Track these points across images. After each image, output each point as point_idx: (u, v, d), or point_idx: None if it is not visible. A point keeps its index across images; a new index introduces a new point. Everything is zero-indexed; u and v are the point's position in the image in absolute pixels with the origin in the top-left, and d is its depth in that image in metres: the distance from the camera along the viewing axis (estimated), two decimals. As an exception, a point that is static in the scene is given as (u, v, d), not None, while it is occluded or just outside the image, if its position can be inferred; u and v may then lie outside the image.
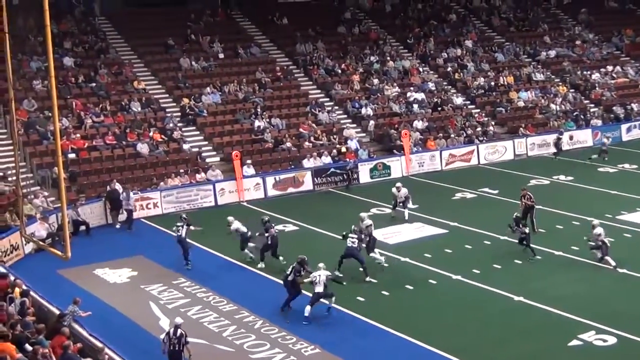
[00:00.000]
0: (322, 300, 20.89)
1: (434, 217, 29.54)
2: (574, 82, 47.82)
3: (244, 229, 25.41)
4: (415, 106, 42.14)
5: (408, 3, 51.70)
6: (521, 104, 44.58)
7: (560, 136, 40.97)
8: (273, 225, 25.29)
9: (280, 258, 24.63)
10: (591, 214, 27.13)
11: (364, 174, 36.17)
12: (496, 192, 33.30)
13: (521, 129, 41.70)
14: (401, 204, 29.78)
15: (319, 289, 20.70)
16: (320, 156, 36.37)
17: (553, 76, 48.40)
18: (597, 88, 47.52)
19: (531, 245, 24.95)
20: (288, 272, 21.34)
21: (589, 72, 48.99)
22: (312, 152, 36.58)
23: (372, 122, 39.82)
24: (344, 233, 23.81)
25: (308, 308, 20.60)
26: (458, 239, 27.02)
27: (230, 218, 25.79)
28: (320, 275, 20.78)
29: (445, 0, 53.41)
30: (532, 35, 51.85)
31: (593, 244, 24.01)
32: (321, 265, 21.13)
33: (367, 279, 23.13)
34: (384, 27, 49.23)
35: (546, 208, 29.40)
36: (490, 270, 23.87)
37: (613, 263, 23.53)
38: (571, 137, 42.12)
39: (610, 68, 49.92)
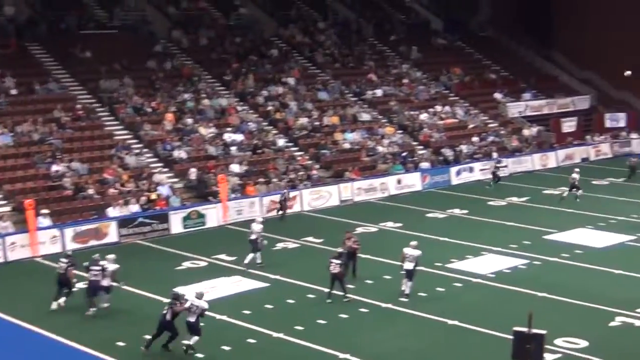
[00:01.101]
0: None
1: (253, 269, 29.45)
2: (402, 123, 49.42)
3: None
4: (233, 148, 42.20)
5: (225, 36, 52.01)
6: (347, 145, 45.53)
7: (498, 164, 44.49)
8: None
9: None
10: (420, 262, 27.79)
11: (176, 224, 35.72)
12: (321, 240, 33.65)
13: (347, 172, 42.54)
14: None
15: (192, 318, 21.27)
16: (127, 204, 35.67)
17: (380, 116, 49.84)
18: (425, 129, 49.26)
19: (345, 285, 25.65)
20: (164, 312, 21.45)
21: (417, 112, 50.76)
22: (117, 200, 35.81)
23: (193, 170, 39.38)
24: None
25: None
26: (280, 292, 27.01)
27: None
28: (198, 305, 21.41)
29: (265, 34, 54.11)
30: (357, 73, 53.30)
31: None
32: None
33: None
34: (198, 62, 49.27)
35: (373, 257, 29.94)
36: (315, 326, 23.94)
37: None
38: (399, 181, 43.34)
39: (438, 108, 51.97)
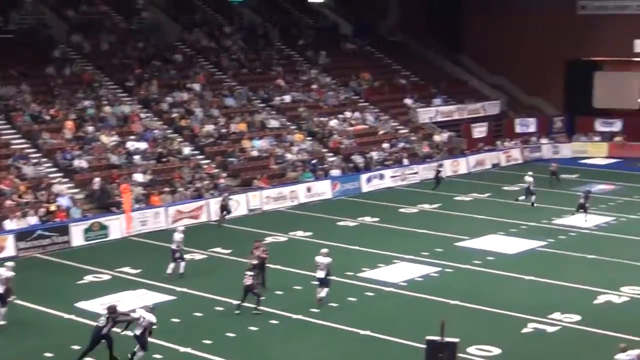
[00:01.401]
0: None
1: (159, 282, 29.15)
2: (311, 129, 49.58)
3: None
4: (137, 157, 41.74)
5: (127, 41, 51.46)
6: (255, 153, 45.47)
7: (440, 169, 45.60)
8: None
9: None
10: (332, 270, 27.87)
11: (77, 236, 35.11)
12: (229, 251, 33.51)
13: (255, 181, 42.47)
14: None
15: (138, 331, 21.43)
16: (24, 216, 34.94)
17: (289, 123, 49.92)
18: (335, 135, 49.52)
19: (260, 298, 25.72)
20: (101, 325, 21.39)
21: (326, 119, 51.00)
22: (15, 212, 35.05)
23: (97, 179, 38.75)
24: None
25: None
26: (187, 305, 26.81)
27: None
28: (146, 317, 21.55)
29: (169, 38, 53.74)
30: (265, 78, 53.31)
31: None
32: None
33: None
34: (99, 68, 48.61)
35: (283, 267, 29.95)
36: (224, 340, 23.81)
37: None
38: (309, 189, 43.45)
39: (348, 114, 52.31)
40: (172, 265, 29.74)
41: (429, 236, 35.91)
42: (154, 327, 21.76)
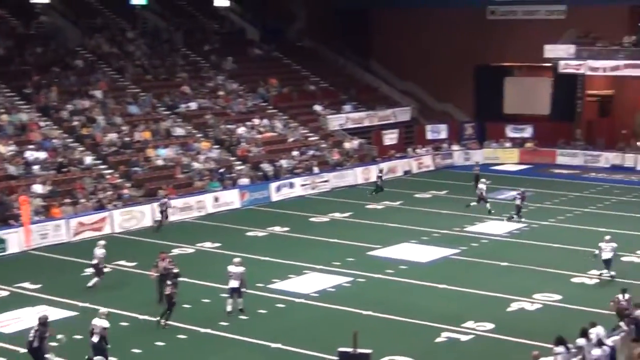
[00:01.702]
0: None
1: (60, 297, 28.66)
2: (218, 137, 49.38)
3: None
4: (36, 167, 41.00)
5: (25, 46, 50.56)
6: (160, 162, 45.08)
7: (380, 174, 46.69)
8: None
9: None
10: (245, 282, 27.75)
11: (-27, 251, 34.42)
12: (133, 264, 33.14)
13: (161, 191, 42.07)
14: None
15: (95, 339, 21.87)
16: None
17: (195, 131, 49.62)
18: (243, 143, 49.41)
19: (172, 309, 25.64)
20: (30, 338, 21.46)
21: (233, 126, 50.86)
22: None
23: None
24: None
25: None
26: (89, 321, 26.29)
27: None
28: (97, 324, 22.18)
29: (69, 44, 52.97)
30: (170, 85, 52.94)
31: None
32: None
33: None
34: (-5, 74, 47.70)
35: (191, 280, 29.71)
36: (129, 356, 23.56)
37: None
38: (217, 199, 43.25)
39: (256, 121, 52.26)
40: (95, 280, 29.63)
41: (341, 245, 36.06)
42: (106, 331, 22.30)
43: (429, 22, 61.39)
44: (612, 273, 30.04)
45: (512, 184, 48.97)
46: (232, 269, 26.46)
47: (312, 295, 28.99)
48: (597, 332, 21.03)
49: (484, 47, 59.64)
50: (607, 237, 30.36)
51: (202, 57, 58.18)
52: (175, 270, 26.64)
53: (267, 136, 51.50)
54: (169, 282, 25.84)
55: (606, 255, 29.95)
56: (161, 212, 39.15)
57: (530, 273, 31.74)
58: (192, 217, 41.72)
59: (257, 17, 64.60)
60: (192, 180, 44.45)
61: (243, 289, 26.63)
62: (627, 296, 24.21)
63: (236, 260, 26.67)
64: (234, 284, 26.33)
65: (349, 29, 64.38)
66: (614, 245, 30.13)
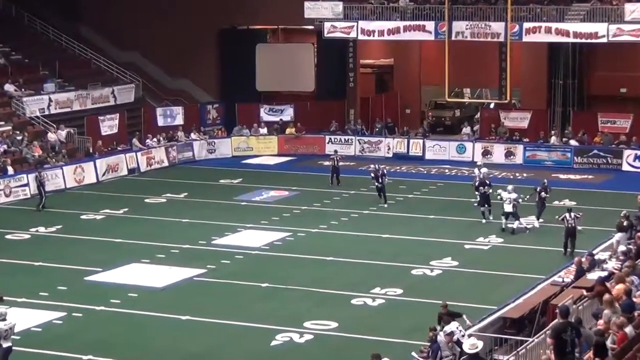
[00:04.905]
0: None
1: None
2: None
3: None
4: None
5: None
6: None
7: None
8: None
9: None
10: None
11: None
12: None
13: None
14: None
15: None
16: None
17: None
18: None
19: None
20: None
21: None
22: None
23: None
24: None
25: None
26: None
27: None
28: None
29: None
30: None
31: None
32: None
33: None
34: None
35: None
36: None
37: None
38: None
39: None
40: None
41: (48, 270, 35.45)
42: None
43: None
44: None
45: (271, 181, 49.55)
46: None
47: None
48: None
49: (229, 5, 59.93)
50: (510, 187, 39.40)
51: None
52: None
53: None
54: None
55: (507, 207, 38.70)
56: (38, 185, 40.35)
57: (299, 296, 32.17)
58: None
59: None
60: None
61: None
62: None
63: None
64: None
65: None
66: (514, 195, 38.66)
